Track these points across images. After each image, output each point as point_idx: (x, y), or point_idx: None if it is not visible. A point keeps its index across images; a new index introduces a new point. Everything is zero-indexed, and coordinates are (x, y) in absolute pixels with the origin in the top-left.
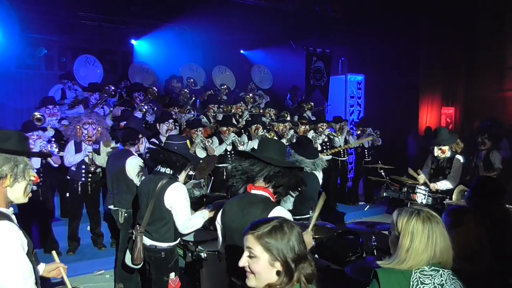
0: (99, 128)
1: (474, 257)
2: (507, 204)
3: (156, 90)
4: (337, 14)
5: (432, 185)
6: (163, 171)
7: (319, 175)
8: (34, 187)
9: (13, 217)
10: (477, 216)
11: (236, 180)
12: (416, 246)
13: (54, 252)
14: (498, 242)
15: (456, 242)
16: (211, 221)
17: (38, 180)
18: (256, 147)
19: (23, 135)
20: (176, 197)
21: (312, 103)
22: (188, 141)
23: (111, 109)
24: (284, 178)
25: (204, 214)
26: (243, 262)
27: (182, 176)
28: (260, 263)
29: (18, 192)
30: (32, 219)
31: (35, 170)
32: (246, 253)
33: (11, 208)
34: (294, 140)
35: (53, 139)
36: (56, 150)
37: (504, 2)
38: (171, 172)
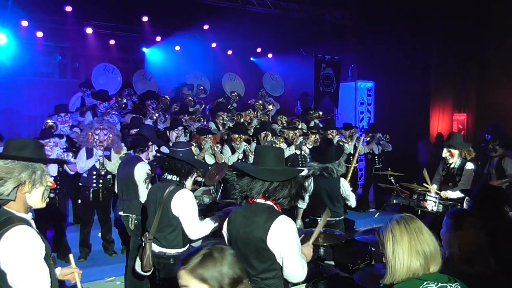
0: (111, 135)
1: (474, 260)
2: None
3: (168, 98)
4: (347, 21)
5: (442, 193)
6: (170, 178)
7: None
8: (52, 194)
9: (32, 222)
10: (478, 220)
11: (236, 196)
12: (400, 247)
13: (71, 256)
14: (503, 249)
15: (455, 244)
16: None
17: (55, 186)
18: None
19: (39, 143)
20: (183, 204)
21: (321, 112)
22: (193, 148)
23: (120, 117)
24: (283, 191)
25: (213, 221)
26: None
27: (189, 183)
28: None
29: (37, 198)
30: (48, 225)
31: (52, 177)
32: None
33: (30, 214)
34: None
35: (65, 146)
36: (72, 158)
37: None
38: (177, 179)
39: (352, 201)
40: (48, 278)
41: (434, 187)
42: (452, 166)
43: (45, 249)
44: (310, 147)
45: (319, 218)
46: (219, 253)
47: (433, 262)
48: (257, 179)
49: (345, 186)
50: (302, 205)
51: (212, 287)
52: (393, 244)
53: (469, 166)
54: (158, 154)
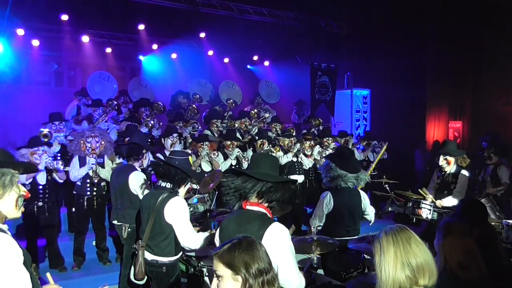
0: (103, 142)
1: (467, 267)
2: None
3: (162, 104)
4: (342, 29)
5: (438, 202)
6: (164, 185)
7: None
8: (40, 203)
9: (8, 233)
10: (463, 226)
11: (229, 197)
12: (386, 258)
13: (48, 274)
14: (490, 257)
15: (443, 252)
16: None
17: (29, 196)
18: None
19: (7, 151)
20: (176, 211)
21: (321, 119)
22: (190, 158)
23: (114, 125)
24: (276, 193)
25: (207, 235)
26: (213, 286)
27: (182, 191)
28: (225, 280)
29: (10, 205)
30: (38, 234)
31: (41, 186)
32: (214, 277)
33: (6, 225)
34: (327, 152)
35: (59, 155)
36: (62, 166)
37: (511, 15)
38: (170, 186)
39: (371, 216)
40: (29, 283)
41: (430, 196)
42: (447, 174)
43: (23, 255)
44: (309, 153)
45: (338, 238)
46: (247, 243)
47: (422, 274)
48: (252, 178)
49: (366, 199)
50: (318, 225)
51: (235, 272)
52: (380, 255)
53: (464, 173)
54: (153, 160)
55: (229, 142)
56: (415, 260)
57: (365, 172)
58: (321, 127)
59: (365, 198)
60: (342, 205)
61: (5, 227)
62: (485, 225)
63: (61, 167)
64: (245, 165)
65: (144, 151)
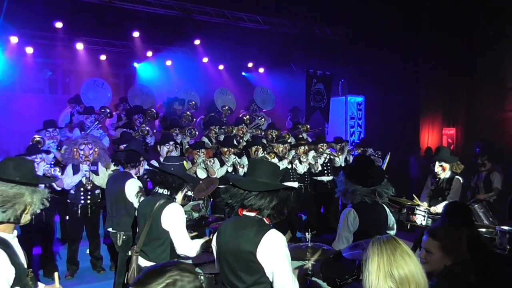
0: (96, 149)
1: (455, 271)
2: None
3: (155, 112)
4: (337, 36)
5: (432, 209)
6: (161, 192)
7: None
8: (38, 210)
9: (15, 240)
10: (452, 230)
11: (223, 204)
12: (370, 268)
13: (56, 274)
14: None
15: (436, 258)
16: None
17: None
18: None
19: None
20: (173, 218)
21: (308, 126)
22: (185, 162)
23: (106, 133)
24: (261, 201)
25: (202, 240)
26: None
27: (179, 197)
28: None
29: (28, 217)
30: (35, 241)
31: None
32: None
33: (15, 232)
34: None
35: (53, 162)
36: (60, 174)
37: (505, 23)
38: (168, 193)
39: (394, 232)
40: None
41: (425, 204)
42: (441, 180)
43: (15, 272)
44: (304, 160)
45: None
46: (184, 282)
47: (408, 286)
48: (237, 187)
49: (391, 215)
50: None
51: None
52: (365, 265)
53: (458, 179)
54: (148, 168)
55: (226, 149)
56: (398, 271)
57: (387, 185)
58: (305, 135)
59: (390, 213)
60: (370, 222)
61: (12, 235)
62: (472, 228)
63: (59, 174)
64: (240, 171)
65: (141, 159)
